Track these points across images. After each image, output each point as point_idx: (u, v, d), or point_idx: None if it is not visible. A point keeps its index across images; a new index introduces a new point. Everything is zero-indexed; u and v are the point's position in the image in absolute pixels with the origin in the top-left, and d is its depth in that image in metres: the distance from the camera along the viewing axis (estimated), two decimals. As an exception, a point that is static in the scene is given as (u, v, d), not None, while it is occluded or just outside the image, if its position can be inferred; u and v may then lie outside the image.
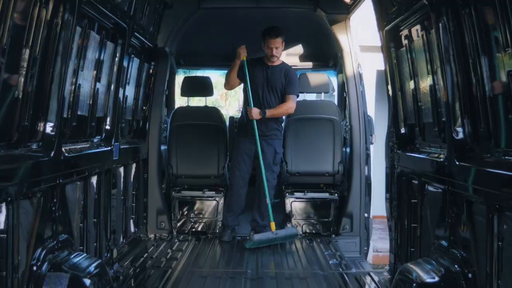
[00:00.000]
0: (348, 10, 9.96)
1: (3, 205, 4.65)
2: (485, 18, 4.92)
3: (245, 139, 9.64)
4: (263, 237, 9.23)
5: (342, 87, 10.83)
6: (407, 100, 7.34)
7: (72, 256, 5.72)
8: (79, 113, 6.72)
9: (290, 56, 10.84)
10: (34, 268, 5.14)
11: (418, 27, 6.55)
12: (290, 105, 9.43)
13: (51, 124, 5.60)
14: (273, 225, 9.27)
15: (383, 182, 8.34)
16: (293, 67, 9.88)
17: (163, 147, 10.34)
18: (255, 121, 9.26)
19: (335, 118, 9.99)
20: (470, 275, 5.11)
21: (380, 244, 11.30)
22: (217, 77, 13.76)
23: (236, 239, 9.88)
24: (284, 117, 9.96)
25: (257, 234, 9.30)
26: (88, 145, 7.14)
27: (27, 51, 5.11)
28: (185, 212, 10.52)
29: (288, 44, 8.86)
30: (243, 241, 9.42)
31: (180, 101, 12.36)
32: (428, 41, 6.24)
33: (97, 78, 7.23)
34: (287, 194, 10.30)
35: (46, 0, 5.29)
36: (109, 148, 7.71)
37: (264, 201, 9.45)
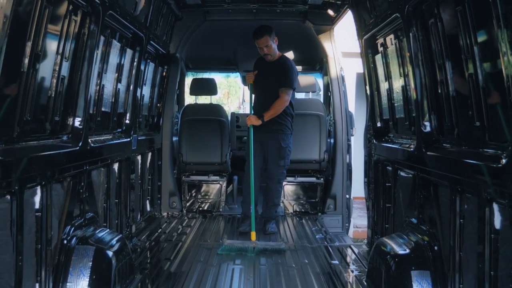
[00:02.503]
0: (332, 21, 9.94)
1: (38, 188, 4.65)
2: (448, 29, 4.91)
3: (254, 134, 8.58)
4: (237, 244, 7.73)
5: (327, 87, 10.82)
6: (382, 98, 7.33)
7: (97, 231, 5.72)
8: (103, 109, 6.71)
9: None
10: (65, 242, 5.14)
11: (392, 36, 6.53)
12: (281, 101, 8.39)
13: (79, 119, 5.59)
14: (253, 234, 7.98)
15: (362, 168, 8.34)
16: None
17: (174, 138, 10.33)
18: (252, 127, 8.48)
19: (321, 114, 9.97)
20: (436, 248, 5.10)
21: (359, 221, 11.29)
22: (220, 78, 13.79)
23: (237, 217, 9.88)
24: (291, 111, 8.73)
25: (231, 240, 7.91)
26: (110, 137, 7.13)
27: (59, 57, 5.11)
28: (193, 194, 10.53)
29: (281, 50, 8.79)
30: (243, 219, 9.28)
31: (189, 99, 12.34)
32: (400, 48, 6.23)
33: (118, 80, 7.22)
34: None
35: (75, 13, 5.30)
36: (129, 139, 7.70)
37: (271, 195, 8.82)
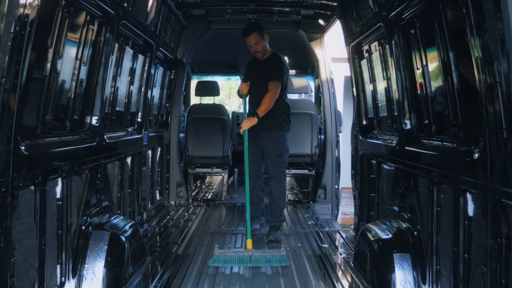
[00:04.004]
0: (322, 30, 9.93)
1: (59, 179, 4.65)
2: (426, 37, 4.91)
3: (250, 133, 7.46)
4: (230, 255, 6.44)
5: (318, 89, 10.80)
6: (368, 99, 7.32)
7: (112, 218, 5.72)
8: (117, 109, 6.71)
9: None
10: (83, 227, 5.14)
11: (376, 43, 6.53)
12: (270, 94, 7.29)
13: (96, 117, 5.59)
14: (249, 242, 6.65)
15: (349, 162, 8.33)
16: None
17: (181, 135, 10.33)
18: (246, 132, 7.36)
19: (312, 113, 9.96)
20: (415, 233, 5.10)
21: (347, 209, 11.27)
22: (222, 81, 13.72)
23: (237, 206, 9.88)
24: (286, 109, 7.72)
25: (223, 251, 6.57)
26: (124, 133, 7.13)
27: (78, 61, 5.11)
28: (198, 184, 10.52)
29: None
30: (243, 207, 9.27)
31: (194, 99, 12.32)
32: (384, 54, 6.22)
33: (131, 82, 7.22)
34: None
35: (92, 23, 5.30)
36: (140, 135, 7.69)
37: (274, 196, 7.60)
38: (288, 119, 7.76)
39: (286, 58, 7.74)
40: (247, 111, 7.65)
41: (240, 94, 7.91)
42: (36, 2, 3.76)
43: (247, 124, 7.30)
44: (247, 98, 7.75)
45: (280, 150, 7.58)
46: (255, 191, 7.76)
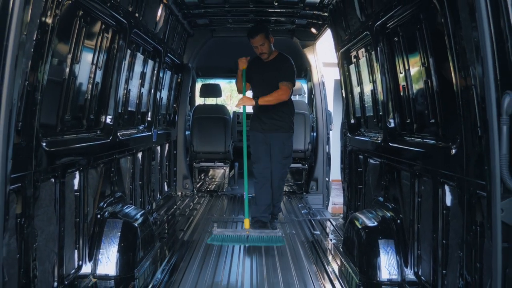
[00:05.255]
0: (314, 38, 9.93)
1: (77, 172, 4.65)
2: (408, 44, 4.91)
3: (256, 132, 7.10)
4: (228, 234, 6.25)
5: (310, 91, 10.79)
6: (355, 100, 7.32)
7: (125, 207, 5.72)
8: (129, 109, 6.71)
9: None
10: (98, 216, 5.15)
11: (363, 49, 6.53)
12: (281, 92, 6.74)
13: (110, 116, 5.59)
14: (247, 222, 6.43)
15: (338, 156, 8.35)
16: None
17: (187, 132, 10.32)
18: (245, 108, 6.91)
19: (306, 113, 9.96)
20: (398, 221, 5.11)
21: (336, 199, 11.28)
22: (224, 84, 13.73)
23: (237, 196, 9.89)
24: (292, 110, 7.20)
25: (221, 229, 6.34)
26: (135, 131, 7.12)
27: (93, 66, 5.11)
28: (202, 177, 10.52)
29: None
30: (243, 198, 9.26)
31: (199, 100, 12.32)
32: (370, 59, 6.22)
33: (142, 85, 7.21)
34: None
35: (107, 31, 5.30)
36: (150, 133, 7.69)
37: (275, 193, 7.11)
38: (293, 119, 7.23)
39: None
40: (246, 89, 7.01)
41: (239, 68, 7.04)
42: (56, 12, 3.76)
43: (243, 101, 6.81)
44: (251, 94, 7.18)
45: (288, 152, 7.10)
46: (264, 190, 7.03)
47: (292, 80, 6.93)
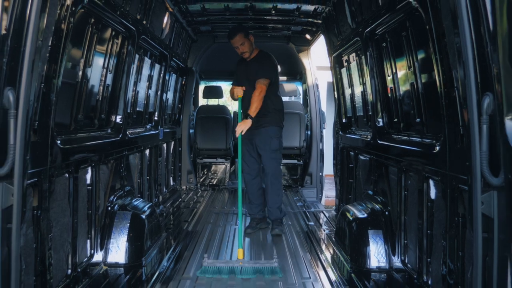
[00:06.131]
0: (309, 43, 9.92)
1: (89, 168, 4.65)
2: (395, 49, 4.91)
3: (245, 131, 6.17)
4: (219, 265, 4.99)
5: (305, 93, 10.78)
6: (347, 101, 7.32)
7: (133, 200, 5.71)
8: (137, 109, 6.70)
9: None
10: (109, 208, 5.14)
11: (353, 54, 6.52)
12: (256, 92, 6.15)
13: (120, 116, 5.58)
14: (240, 252, 5.26)
15: (331, 153, 8.34)
16: None
17: (191, 131, 10.31)
18: (240, 136, 6.13)
19: (301, 112, 9.96)
20: (387, 213, 5.11)
21: (329, 192, 11.31)
22: (225, 86, 13.69)
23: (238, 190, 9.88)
24: (278, 105, 6.59)
25: (212, 260, 5.09)
26: (143, 130, 7.11)
27: (104, 70, 5.10)
28: (205, 172, 10.53)
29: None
30: (243, 192, 9.16)
31: (202, 101, 12.30)
32: (360, 63, 6.21)
33: (149, 87, 7.20)
34: None
35: (117, 37, 5.29)
36: (157, 131, 7.68)
37: (270, 193, 6.43)
38: (282, 115, 6.67)
39: (278, 66, 7.03)
40: (241, 112, 6.46)
41: (233, 96, 6.63)
42: (70, 20, 3.75)
43: (241, 128, 6.09)
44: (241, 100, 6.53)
45: (275, 145, 6.43)
46: (254, 188, 6.62)
47: (268, 75, 6.31)
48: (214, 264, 5.02)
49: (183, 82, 10.06)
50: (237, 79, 6.71)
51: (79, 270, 4.40)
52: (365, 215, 5.38)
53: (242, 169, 6.48)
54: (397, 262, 4.83)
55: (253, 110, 6.14)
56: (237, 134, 6.10)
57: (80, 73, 4.47)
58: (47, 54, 3.42)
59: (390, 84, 5.19)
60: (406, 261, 4.65)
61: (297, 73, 11.16)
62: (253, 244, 6.05)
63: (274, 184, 6.44)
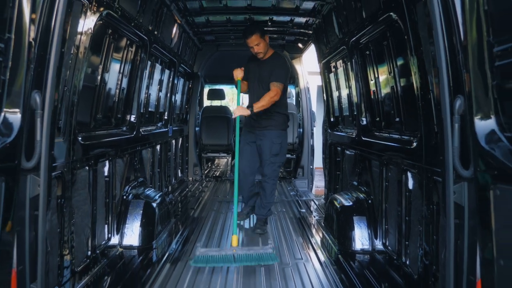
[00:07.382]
0: (301, 51, 9.89)
1: (107, 162, 4.64)
2: (377, 56, 4.90)
3: (245, 129, 5.98)
4: (213, 254, 4.52)
5: (298, 95, 10.79)
6: (334, 102, 7.31)
7: (146, 190, 5.71)
8: (149, 109, 6.69)
9: None
10: (124, 197, 5.14)
11: (340, 61, 6.51)
12: (272, 94, 5.47)
13: (134, 116, 5.57)
14: (235, 239, 4.82)
15: (320, 148, 8.34)
16: None
17: (197, 129, 10.31)
18: (238, 118, 5.58)
19: (294, 112, 9.95)
20: (370, 201, 5.12)
21: (319, 183, 11.28)
22: (227, 89, 13.68)
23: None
24: (285, 111, 5.94)
25: (205, 249, 4.60)
26: (154, 128, 7.10)
27: (120, 75, 5.09)
28: (209, 165, 10.55)
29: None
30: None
31: (206, 102, 12.29)
32: (346, 69, 6.20)
33: (160, 90, 7.19)
34: None
35: (131, 46, 5.28)
36: (166, 129, 7.68)
37: (263, 194, 5.87)
38: (287, 119, 6.01)
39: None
40: (240, 98, 5.91)
41: (235, 79, 5.94)
42: (90, 31, 3.75)
43: (238, 112, 5.52)
44: (244, 92, 6.04)
45: (276, 150, 5.78)
46: (248, 184, 6.07)
47: (283, 81, 5.66)
48: (207, 252, 4.52)
49: (190, 86, 10.05)
50: (247, 74, 5.94)
51: (97, 252, 4.41)
52: (351, 203, 5.39)
53: (243, 168, 5.91)
54: (379, 245, 4.85)
55: (259, 106, 5.49)
56: (234, 116, 5.57)
57: (99, 77, 4.47)
58: (70, 61, 3.42)
59: (372, 87, 5.19)
60: (387, 244, 4.66)
61: (290, 77, 11.16)
62: (249, 230, 6.04)
63: (270, 185, 5.85)
